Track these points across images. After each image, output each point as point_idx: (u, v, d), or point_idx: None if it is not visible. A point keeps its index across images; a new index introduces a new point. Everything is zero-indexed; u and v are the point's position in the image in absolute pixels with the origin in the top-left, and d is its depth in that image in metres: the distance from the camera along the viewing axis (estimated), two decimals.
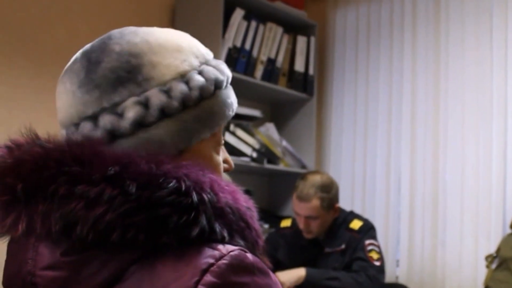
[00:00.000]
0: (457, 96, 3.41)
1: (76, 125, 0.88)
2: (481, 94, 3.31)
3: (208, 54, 0.98)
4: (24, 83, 2.87)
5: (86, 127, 0.87)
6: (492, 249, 3.05)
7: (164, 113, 0.87)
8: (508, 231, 2.99)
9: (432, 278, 3.42)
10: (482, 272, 3.06)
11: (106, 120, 0.86)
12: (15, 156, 0.83)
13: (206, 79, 0.92)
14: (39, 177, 0.80)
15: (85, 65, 0.89)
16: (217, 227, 0.80)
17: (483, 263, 3.03)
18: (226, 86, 0.97)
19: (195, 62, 0.93)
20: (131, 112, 0.86)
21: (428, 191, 3.48)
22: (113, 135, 0.86)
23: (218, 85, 0.94)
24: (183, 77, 0.90)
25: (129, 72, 0.88)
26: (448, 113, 3.44)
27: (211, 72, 0.93)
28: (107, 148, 0.83)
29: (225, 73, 0.97)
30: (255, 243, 0.86)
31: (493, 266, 2.89)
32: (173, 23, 3.51)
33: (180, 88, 0.88)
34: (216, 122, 0.93)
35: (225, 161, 1.02)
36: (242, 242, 0.83)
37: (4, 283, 0.90)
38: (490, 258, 2.93)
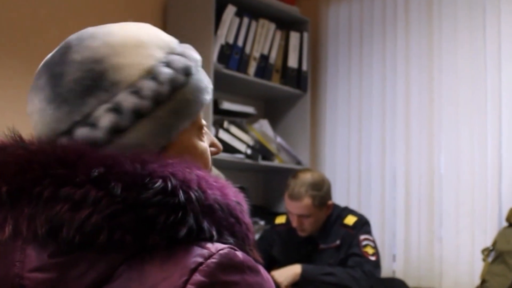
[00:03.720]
0: (451, 91, 3.41)
1: None
2: (475, 89, 3.31)
3: (172, 41, 0.94)
4: (16, 83, 2.86)
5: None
6: (488, 243, 3.05)
7: (138, 115, 0.85)
8: (504, 224, 2.99)
9: (429, 272, 3.42)
10: (478, 265, 3.06)
11: (80, 133, 0.84)
12: None
13: (175, 69, 0.89)
14: (23, 180, 0.79)
15: (49, 80, 0.87)
16: (205, 225, 0.79)
17: (479, 256, 3.04)
18: (196, 71, 0.93)
19: (160, 54, 0.90)
20: (105, 120, 0.84)
21: (424, 186, 3.48)
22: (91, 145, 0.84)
23: (187, 72, 0.90)
24: (150, 73, 0.87)
25: (95, 80, 0.85)
26: (442, 108, 3.44)
27: (178, 60, 0.90)
28: (91, 149, 0.82)
29: (193, 57, 0.94)
30: (246, 237, 0.85)
31: (490, 259, 2.89)
32: (165, 21, 3.50)
33: (149, 85, 0.86)
34: (193, 110, 0.91)
35: (212, 145, 1.00)
36: (231, 240, 0.82)
37: None
38: (486, 252, 2.94)
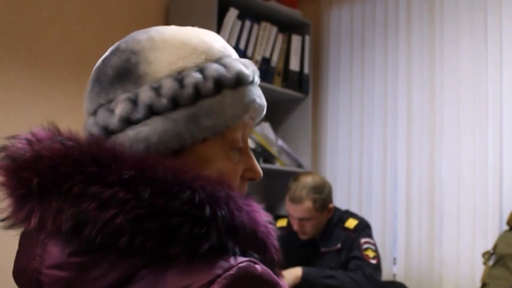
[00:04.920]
0: (452, 94, 3.41)
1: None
2: (476, 92, 3.31)
3: (222, 52, 0.92)
4: (19, 85, 2.86)
5: (89, 123, 0.89)
6: (489, 246, 3.05)
7: (153, 111, 0.85)
8: (505, 227, 2.99)
9: (430, 276, 3.42)
10: (479, 269, 3.06)
11: (100, 116, 0.87)
12: (35, 150, 0.83)
13: (205, 76, 0.87)
14: (55, 174, 0.79)
15: (99, 64, 0.92)
16: (230, 243, 0.79)
17: (480, 260, 3.03)
18: (239, 85, 0.90)
19: (199, 59, 0.89)
20: (119, 108, 0.86)
21: (425, 189, 3.48)
22: (107, 131, 0.86)
23: (220, 82, 0.88)
24: (179, 74, 0.87)
25: (127, 70, 0.87)
26: (443, 111, 3.44)
27: (214, 69, 0.88)
28: (127, 150, 0.83)
29: (236, 70, 0.90)
30: (272, 259, 0.85)
31: (490, 262, 2.89)
32: (167, 24, 3.50)
33: (170, 85, 0.85)
34: (218, 122, 0.87)
35: (249, 169, 0.96)
36: (256, 255, 0.81)
37: (14, 275, 0.90)
38: (487, 255, 2.93)
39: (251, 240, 0.82)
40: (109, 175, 0.78)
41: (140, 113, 0.85)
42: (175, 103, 0.85)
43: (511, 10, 3.23)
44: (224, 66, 0.89)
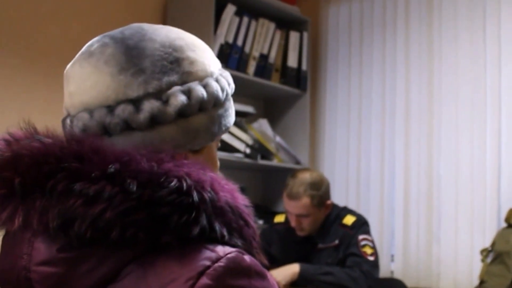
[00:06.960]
0: (450, 91, 3.41)
1: (110, 107, 0.87)
2: (475, 90, 3.31)
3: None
4: (16, 81, 2.85)
5: (127, 110, 0.86)
6: (487, 243, 3.05)
7: (201, 107, 0.91)
8: (503, 225, 2.99)
9: (427, 273, 3.42)
10: (477, 266, 3.06)
11: (152, 105, 0.87)
12: (13, 150, 0.83)
13: (228, 83, 0.98)
14: (37, 172, 0.79)
15: (124, 50, 0.90)
16: (217, 225, 0.80)
17: (478, 257, 3.03)
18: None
19: (218, 65, 0.99)
20: (177, 100, 0.88)
21: (423, 186, 3.48)
22: (155, 120, 0.87)
23: (232, 90, 1.00)
24: (213, 76, 0.95)
25: (172, 63, 0.90)
26: (442, 108, 3.44)
27: (229, 76, 0.99)
28: (106, 144, 0.83)
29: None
30: (253, 240, 0.86)
31: (488, 260, 2.89)
32: (165, 19, 3.49)
33: (214, 86, 0.93)
34: (230, 122, 0.98)
35: None
36: (240, 242, 0.83)
37: None
38: (485, 252, 2.93)
39: (236, 218, 0.84)
40: (93, 170, 0.78)
41: (194, 107, 0.90)
42: (215, 103, 0.93)
43: (510, 9, 3.23)
44: (227, 75, 1.01)
